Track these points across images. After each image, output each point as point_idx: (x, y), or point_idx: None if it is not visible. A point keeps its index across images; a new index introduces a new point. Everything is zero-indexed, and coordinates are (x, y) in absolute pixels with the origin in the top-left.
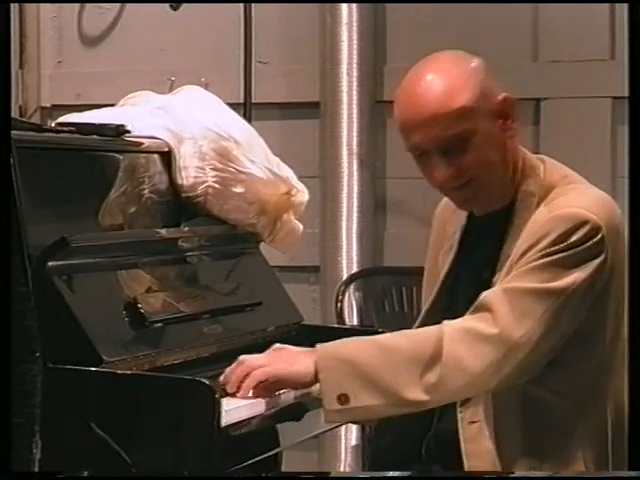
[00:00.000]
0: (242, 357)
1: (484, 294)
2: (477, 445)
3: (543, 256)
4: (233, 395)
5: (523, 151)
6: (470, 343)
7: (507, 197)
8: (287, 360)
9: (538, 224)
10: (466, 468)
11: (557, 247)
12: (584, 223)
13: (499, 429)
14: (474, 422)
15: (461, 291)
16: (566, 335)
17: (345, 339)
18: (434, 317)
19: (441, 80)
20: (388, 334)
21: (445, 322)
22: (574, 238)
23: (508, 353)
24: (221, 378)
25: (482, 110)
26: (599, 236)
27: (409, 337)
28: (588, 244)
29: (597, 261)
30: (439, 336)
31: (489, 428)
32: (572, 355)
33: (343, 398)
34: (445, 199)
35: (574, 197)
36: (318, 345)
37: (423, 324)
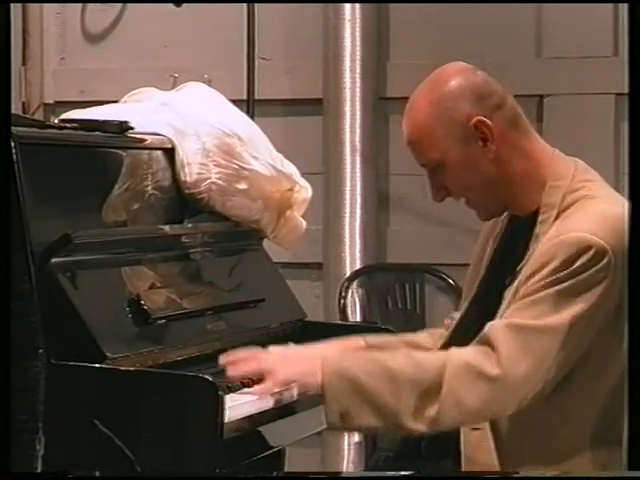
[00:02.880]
0: (254, 352)
1: (488, 326)
2: (478, 451)
3: (545, 285)
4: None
5: (554, 154)
6: (470, 381)
7: (532, 204)
8: (299, 370)
9: (544, 248)
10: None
11: (560, 275)
12: (588, 248)
13: (502, 440)
14: (476, 429)
15: (491, 295)
16: (570, 364)
17: (353, 355)
18: (470, 318)
19: (411, 112)
20: (393, 357)
21: (453, 350)
22: (578, 264)
23: (506, 391)
24: (223, 359)
25: (450, 138)
26: (605, 260)
27: (414, 364)
28: (592, 270)
29: (601, 287)
30: (442, 368)
31: (492, 437)
32: (583, 377)
33: (345, 416)
34: None
35: (582, 219)
36: (323, 347)
37: (458, 327)
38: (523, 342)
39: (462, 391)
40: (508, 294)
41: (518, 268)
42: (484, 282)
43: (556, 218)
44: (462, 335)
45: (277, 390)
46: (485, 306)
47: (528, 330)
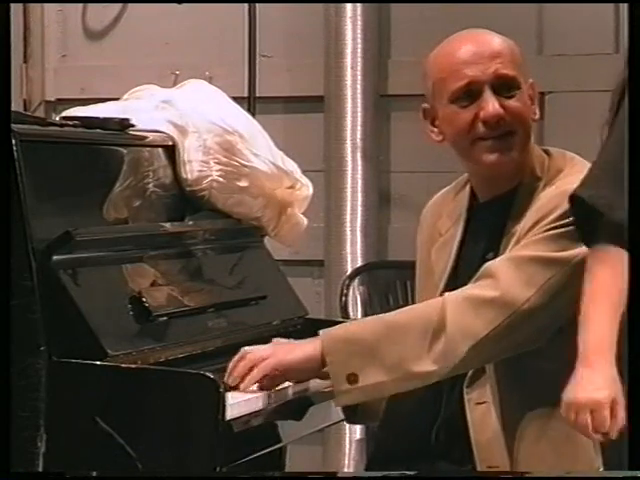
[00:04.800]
0: (245, 349)
1: (487, 264)
2: (485, 425)
3: (549, 229)
4: (236, 388)
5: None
6: (473, 308)
7: (514, 180)
8: (290, 349)
9: (545, 200)
10: (474, 449)
11: (563, 222)
12: None
13: (506, 409)
14: (481, 403)
15: (465, 279)
16: (571, 306)
17: (348, 322)
18: None
19: (498, 38)
20: (392, 312)
21: (446, 293)
22: None
23: (512, 317)
24: (226, 375)
25: (524, 76)
26: None
27: (412, 310)
28: None
29: None
30: (441, 306)
31: (496, 408)
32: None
33: (352, 378)
34: (434, 198)
35: (581, 176)
36: (321, 331)
37: None
38: (526, 270)
39: (466, 319)
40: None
41: (516, 231)
42: (455, 269)
43: (544, 187)
44: None
45: (269, 373)
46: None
47: (531, 260)
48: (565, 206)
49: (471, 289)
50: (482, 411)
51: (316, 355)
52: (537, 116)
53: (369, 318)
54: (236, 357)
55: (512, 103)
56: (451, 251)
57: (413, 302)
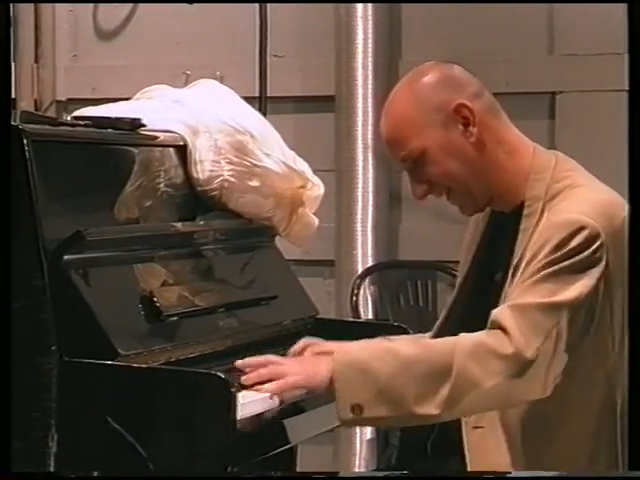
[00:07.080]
0: (269, 357)
1: (495, 312)
2: (481, 451)
3: (545, 266)
4: (249, 387)
5: (534, 148)
6: (482, 360)
7: (516, 198)
8: (307, 371)
9: (538, 234)
10: (469, 468)
11: (558, 255)
12: (582, 228)
13: (505, 437)
14: (478, 428)
15: (478, 291)
16: (576, 347)
17: (362, 344)
18: (455, 315)
19: (391, 107)
20: (404, 344)
21: (462, 335)
22: (573, 244)
23: (520, 370)
24: (239, 362)
25: (431, 125)
26: (598, 242)
27: (424, 349)
28: (589, 250)
29: (599, 268)
30: (452, 350)
31: (494, 436)
32: (581, 368)
33: (357, 408)
34: None
35: (573, 202)
36: (335, 345)
37: (444, 321)
38: (530, 320)
39: (475, 369)
40: (508, 288)
41: (514, 263)
42: (469, 280)
43: (542, 210)
44: (449, 332)
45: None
46: (471, 304)
47: (534, 309)
48: (557, 237)
49: (482, 338)
50: (478, 436)
51: (327, 377)
52: (474, 137)
53: (383, 346)
54: (260, 360)
55: (426, 172)
56: (467, 261)
57: (424, 302)
